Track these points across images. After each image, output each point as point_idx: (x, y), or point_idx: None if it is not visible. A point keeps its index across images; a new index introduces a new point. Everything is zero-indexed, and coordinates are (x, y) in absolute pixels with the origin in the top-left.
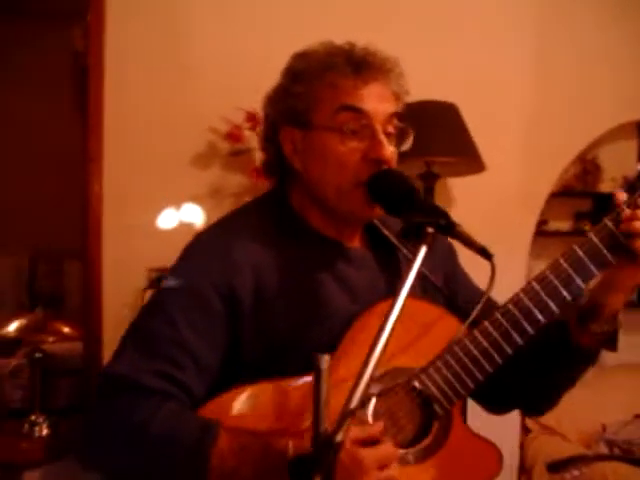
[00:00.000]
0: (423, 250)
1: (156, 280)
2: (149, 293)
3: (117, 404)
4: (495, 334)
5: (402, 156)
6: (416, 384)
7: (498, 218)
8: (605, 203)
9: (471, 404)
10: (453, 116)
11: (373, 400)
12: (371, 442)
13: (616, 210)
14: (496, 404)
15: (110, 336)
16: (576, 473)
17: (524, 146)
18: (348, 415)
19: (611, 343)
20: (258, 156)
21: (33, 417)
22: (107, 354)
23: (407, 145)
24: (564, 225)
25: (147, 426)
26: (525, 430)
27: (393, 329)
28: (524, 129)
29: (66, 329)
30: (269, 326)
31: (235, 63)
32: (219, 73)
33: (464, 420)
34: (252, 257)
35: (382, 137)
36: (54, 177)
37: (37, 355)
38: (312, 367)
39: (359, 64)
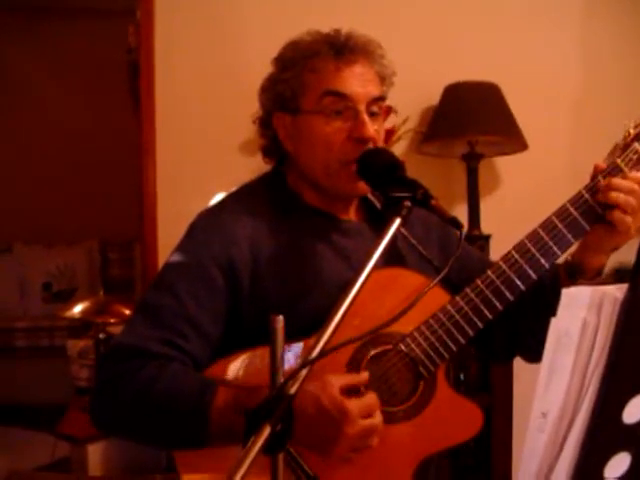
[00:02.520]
0: (397, 222)
1: None
2: None
3: (124, 367)
4: (476, 300)
5: (446, 137)
6: (402, 347)
7: (546, 197)
8: None
9: (521, 380)
10: (495, 96)
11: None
12: (356, 391)
13: (593, 180)
14: (494, 352)
15: None
16: None
17: (572, 124)
18: (305, 365)
19: None
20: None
21: None
22: None
23: (389, 123)
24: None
25: (153, 384)
26: None
27: (359, 290)
28: (571, 108)
29: (127, 311)
30: (266, 294)
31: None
32: (266, 62)
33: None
34: (249, 231)
35: (365, 117)
36: (118, 168)
37: (101, 336)
38: (308, 332)
39: (340, 48)
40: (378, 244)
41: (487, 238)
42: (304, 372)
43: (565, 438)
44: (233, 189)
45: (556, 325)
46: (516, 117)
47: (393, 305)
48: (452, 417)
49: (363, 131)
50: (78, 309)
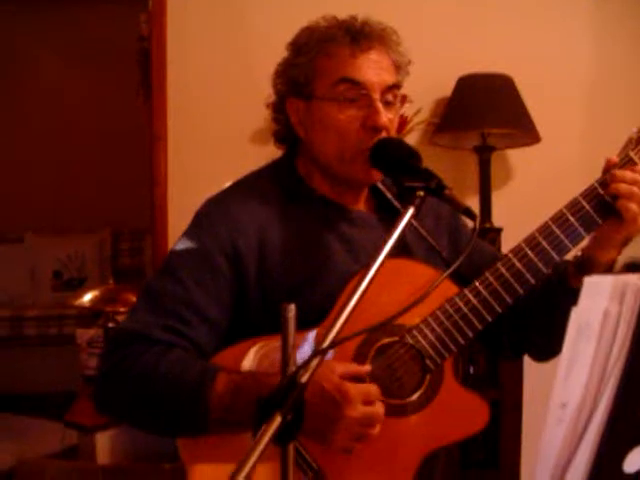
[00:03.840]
0: (410, 212)
1: None
2: None
3: (126, 352)
4: (484, 293)
5: (458, 128)
6: (408, 339)
7: (558, 190)
8: None
9: (530, 374)
10: (508, 88)
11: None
12: (358, 379)
13: (606, 174)
14: (503, 349)
15: None
16: None
17: (585, 117)
18: (317, 354)
19: None
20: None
21: None
22: None
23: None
24: None
25: (153, 369)
26: None
27: (371, 280)
28: (584, 100)
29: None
30: (273, 284)
31: None
32: (278, 51)
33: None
34: (256, 219)
35: (379, 105)
36: (130, 157)
37: (111, 325)
38: (314, 321)
39: (356, 33)
40: (391, 234)
41: (499, 231)
42: (315, 362)
43: (584, 430)
44: (241, 176)
45: (577, 315)
46: (529, 110)
47: (401, 297)
48: (458, 411)
49: (377, 119)
50: (88, 298)
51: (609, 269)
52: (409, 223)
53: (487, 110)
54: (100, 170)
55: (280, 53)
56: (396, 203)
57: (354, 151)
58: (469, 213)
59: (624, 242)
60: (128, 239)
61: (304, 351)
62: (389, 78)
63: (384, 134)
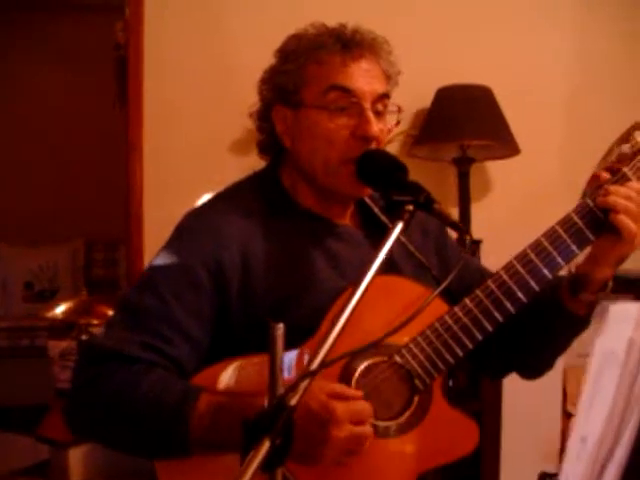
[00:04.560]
0: (399, 226)
1: None
2: None
3: (102, 369)
4: (475, 311)
5: (437, 140)
6: (397, 359)
7: (539, 202)
8: None
9: (510, 388)
10: (487, 99)
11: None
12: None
13: (598, 189)
14: (491, 367)
15: None
16: None
17: (564, 128)
18: (306, 376)
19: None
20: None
21: None
22: None
23: (393, 120)
24: None
25: (130, 389)
26: (566, 415)
27: (360, 298)
28: (563, 112)
29: (111, 312)
30: (256, 300)
31: (273, 49)
32: (258, 60)
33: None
34: (240, 233)
35: (370, 115)
36: (104, 167)
37: (84, 337)
38: (298, 340)
39: (348, 41)
40: (379, 250)
41: (478, 243)
42: (304, 384)
43: (604, 467)
44: (222, 188)
45: (601, 343)
46: (508, 121)
47: (390, 315)
48: (447, 432)
49: (368, 129)
50: (61, 309)
51: (603, 287)
52: (398, 239)
53: (466, 122)
54: (74, 179)
55: (259, 61)
56: (383, 218)
57: (341, 161)
58: (459, 228)
59: (620, 260)
60: (102, 250)
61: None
62: (380, 87)
63: (374, 145)
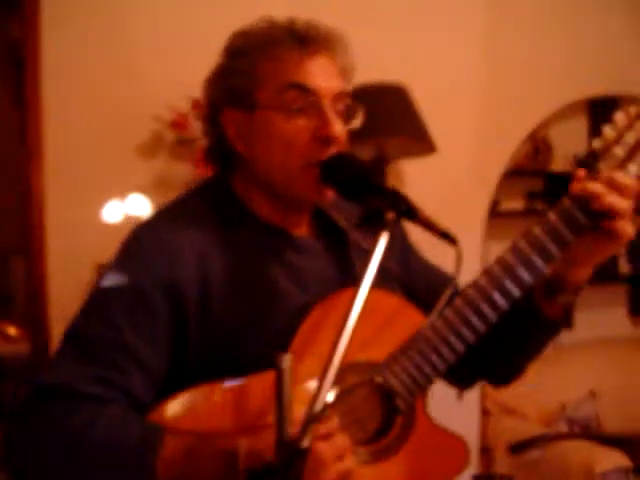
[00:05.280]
0: (384, 238)
1: None
2: None
3: (49, 413)
4: (456, 321)
5: (352, 138)
6: (377, 379)
7: (452, 199)
8: (557, 182)
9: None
10: (402, 98)
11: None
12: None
13: (578, 188)
14: (460, 377)
15: (58, 335)
16: (538, 453)
17: (475, 127)
18: (313, 420)
19: (567, 320)
20: (204, 145)
21: None
22: None
23: (357, 122)
24: (516, 205)
25: (85, 434)
26: (484, 411)
27: (355, 324)
28: (475, 110)
29: (12, 330)
30: (215, 321)
31: (181, 50)
32: (164, 61)
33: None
34: (196, 248)
35: (331, 114)
36: None
37: None
38: (264, 364)
39: (303, 37)
40: (367, 263)
41: None
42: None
43: None
44: (169, 201)
45: None
46: (425, 119)
47: (366, 331)
48: (434, 453)
49: (330, 129)
50: None
51: (580, 288)
52: (360, 245)
53: (382, 120)
54: None
55: (166, 60)
56: (342, 224)
57: (302, 165)
58: (449, 238)
59: (602, 261)
60: None
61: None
62: (338, 84)
63: (335, 147)
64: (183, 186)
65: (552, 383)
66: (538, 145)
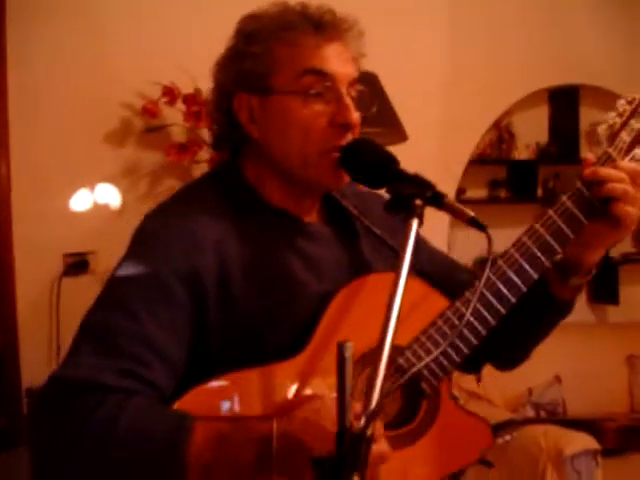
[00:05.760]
0: (415, 224)
1: (73, 265)
2: (65, 280)
3: (76, 406)
4: (478, 305)
5: None
6: (402, 362)
7: None
8: (519, 170)
9: None
10: (374, 86)
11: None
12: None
13: (588, 173)
14: (468, 361)
15: (26, 327)
16: (508, 438)
17: (442, 117)
18: (378, 409)
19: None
20: (175, 132)
21: None
22: (23, 346)
23: (372, 109)
24: (480, 193)
25: (113, 425)
26: (452, 399)
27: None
28: (441, 100)
29: None
30: (236, 310)
31: (149, 36)
32: (132, 47)
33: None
34: (212, 235)
35: (348, 100)
36: None
37: None
38: (284, 351)
39: (318, 22)
40: (403, 251)
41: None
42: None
43: None
44: (180, 188)
45: None
46: (395, 108)
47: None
48: (460, 435)
49: (348, 115)
50: None
51: (592, 270)
52: (357, 217)
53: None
54: None
55: (134, 46)
56: (352, 210)
57: (320, 151)
58: (477, 224)
59: (614, 243)
60: None
61: None
62: (353, 71)
63: (351, 134)
64: (152, 174)
65: (517, 369)
66: (501, 134)
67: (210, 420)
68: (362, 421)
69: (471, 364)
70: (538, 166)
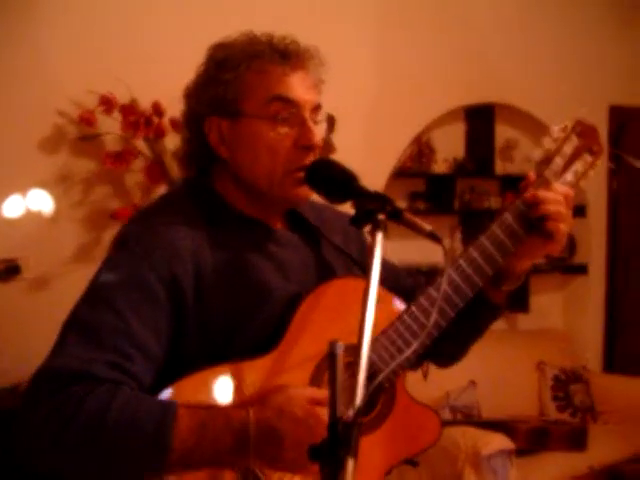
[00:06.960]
0: (380, 237)
1: (4, 271)
2: None
3: (67, 394)
4: (430, 309)
5: None
6: (374, 359)
7: None
8: (437, 183)
9: None
10: None
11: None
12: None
13: (527, 193)
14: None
15: None
16: None
17: (366, 131)
18: (364, 403)
19: (507, 305)
20: (110, 141)
21: None
22: None
23: (331, 131)
24: (401, 204)
25: (103, 415)
26: None
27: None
28: (366, 114)
29: None
30: (211, 311)
31: (86, 44)
32: (68, 54)
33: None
34: (190, 244)
35: (311, 124)
36: None
37: None
38: (256, 350)
39: (284, 52)
40: (370, 261)
41: None
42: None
43: None
44: (153, 199)
45: None
46: None
47: (349, 318)
48: (413, 425)
49: (310, 138)
50: None
51: (522, 277)
52: (325, 238)
53: None
54: None
55: (70, 54)
56: (312, 220)
57: (285, 171)
58: (435, 237)
59: (543, 256)
60: None
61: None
62: (315, 97)
63: (313, 154)
64: (86, 181)
65: (437, 373)
66: (421, 148)
67: (193, 408)
68: (350, 412)
69: (415, 361)
70: (455, 180)
